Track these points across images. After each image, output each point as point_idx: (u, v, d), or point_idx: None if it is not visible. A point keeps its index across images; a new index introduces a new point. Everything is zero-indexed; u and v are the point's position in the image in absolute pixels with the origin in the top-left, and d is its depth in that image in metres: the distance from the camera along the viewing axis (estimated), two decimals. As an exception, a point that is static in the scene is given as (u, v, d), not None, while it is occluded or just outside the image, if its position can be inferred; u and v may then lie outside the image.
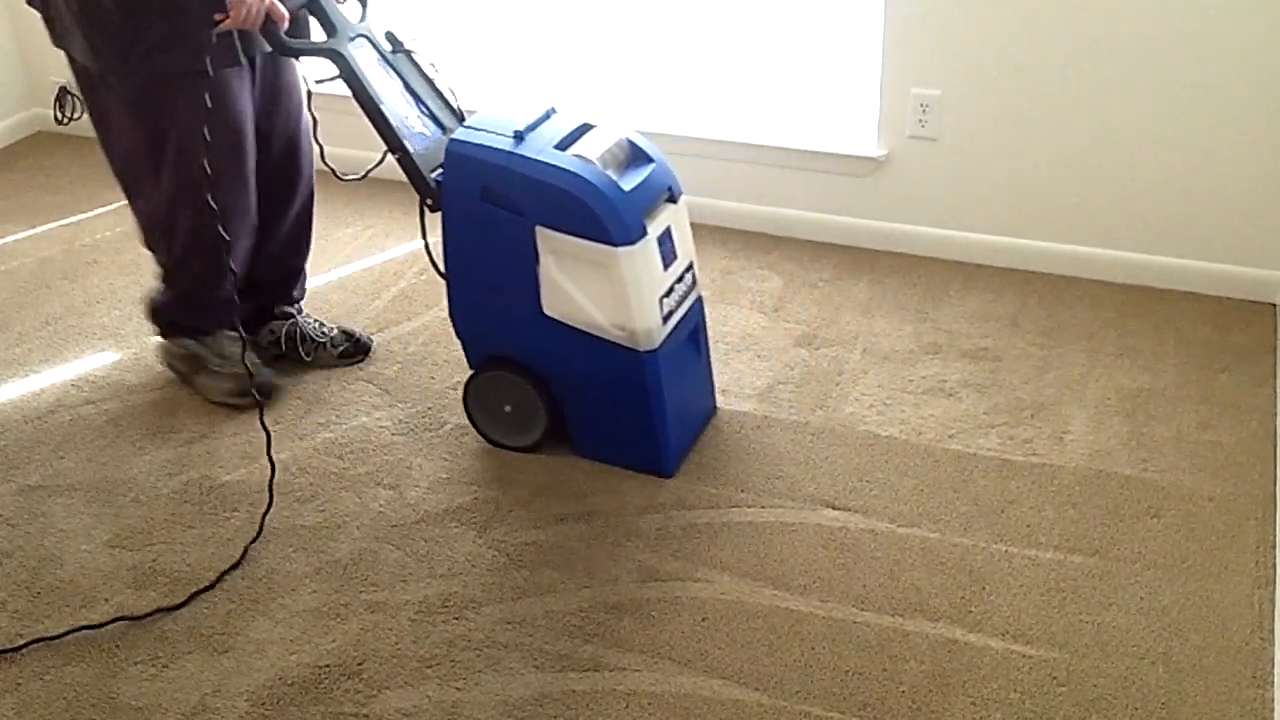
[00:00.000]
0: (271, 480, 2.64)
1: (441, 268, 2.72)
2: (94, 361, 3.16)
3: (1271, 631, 2.24)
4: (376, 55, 2.71)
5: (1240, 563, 2.40)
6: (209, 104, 2.56)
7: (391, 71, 2.73)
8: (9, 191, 4.12)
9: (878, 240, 3.59)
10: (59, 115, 4.49)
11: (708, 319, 2.91)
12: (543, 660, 2.23)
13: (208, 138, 2.57)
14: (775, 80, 3.72)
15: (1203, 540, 2.47)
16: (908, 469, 2.69)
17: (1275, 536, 2.46)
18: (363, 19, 2.74)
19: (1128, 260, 3.35)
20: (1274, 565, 2.39)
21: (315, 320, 3.16)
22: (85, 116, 4.44)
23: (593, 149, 2.56)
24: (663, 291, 2.59)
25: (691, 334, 2.76)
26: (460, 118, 2.78)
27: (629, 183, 2.55)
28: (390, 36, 2.77)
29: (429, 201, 2.67)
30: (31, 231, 3.85)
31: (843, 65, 3.61)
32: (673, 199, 2.68)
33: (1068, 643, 2.23)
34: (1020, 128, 3.31)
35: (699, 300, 2.79)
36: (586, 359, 2.61)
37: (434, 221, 2.69)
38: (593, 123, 2.67)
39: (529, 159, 2.52)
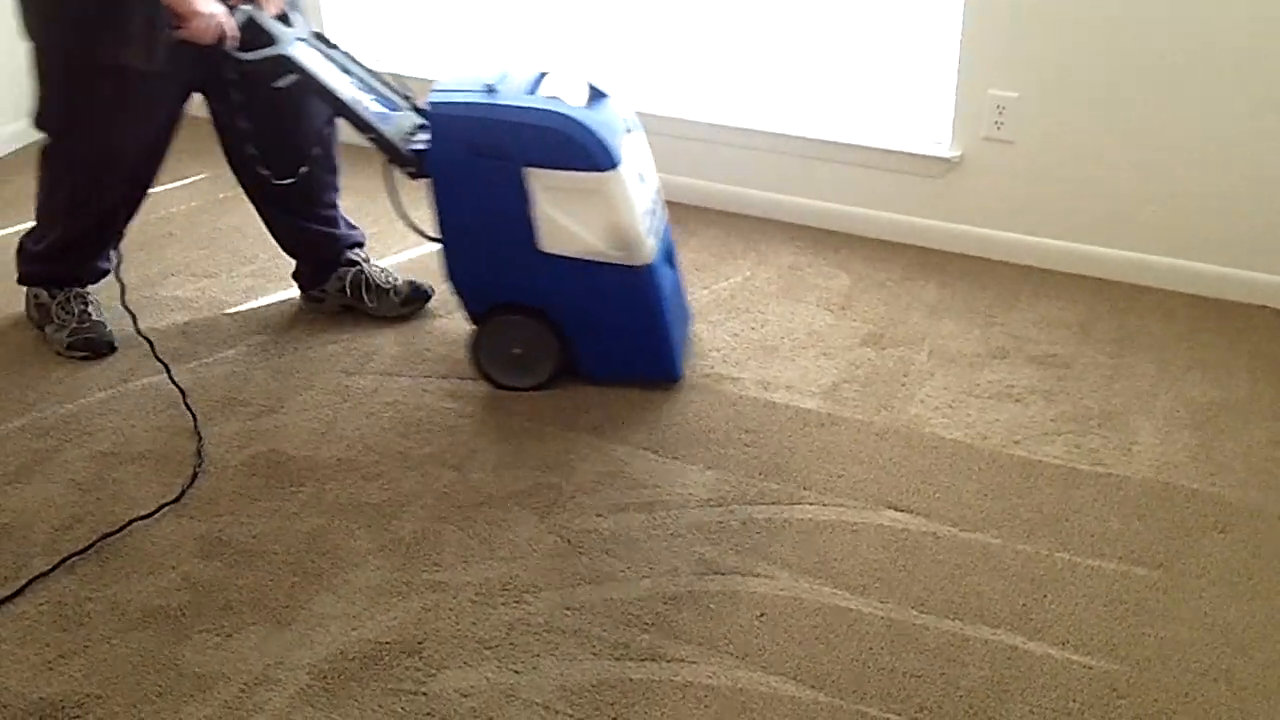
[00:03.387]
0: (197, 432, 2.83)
1: (429, 232, 2.87)
2: (167, 332, 3.20)
3: (1338, 654, 2.22)
4: (319, 54, 2.86)
5: (1308, 583, 2.38)
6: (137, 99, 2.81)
7: (335, 66, 2.88)
8: (88, 161, 4.18)
9: (948, 242, 3.57)
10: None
11: (775, 315, 2.94)
12: (601, 647, 2.24)
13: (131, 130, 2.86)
14: (849, 77, 3.71)
15: (1270, 558, 2.43)
16: (972, 473, 2.68)
17: (1345, 558, 2.44)
18: (290, 24, 2.87)
19: (1202, 271, 3.31)
20: (1343, 587, 2.37)
21: (381, 269, 3.28)
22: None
23: (558, 91, 2.75)
24: (644, 209, 2.79)
25: (667, 251, 2.97)
26: (405, 96, 2.95)
27: (600, 115, 2.75)
28: (321, 38, 2.92)
29: (410, 170, 2.82)
30: (109, 201, 3.91)
31: (919, 64, 3.59)
32: (629, 129, 2.86)
33: (1129, 655, 2.22)
34: (1098, 133, 3.28)
35: (666, 222, 3.04)
36: (588, 285, 2.79)
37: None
38: (545, 70, 2.85)
39: (510, 106, 2.69)
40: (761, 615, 2.31)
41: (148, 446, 2.78)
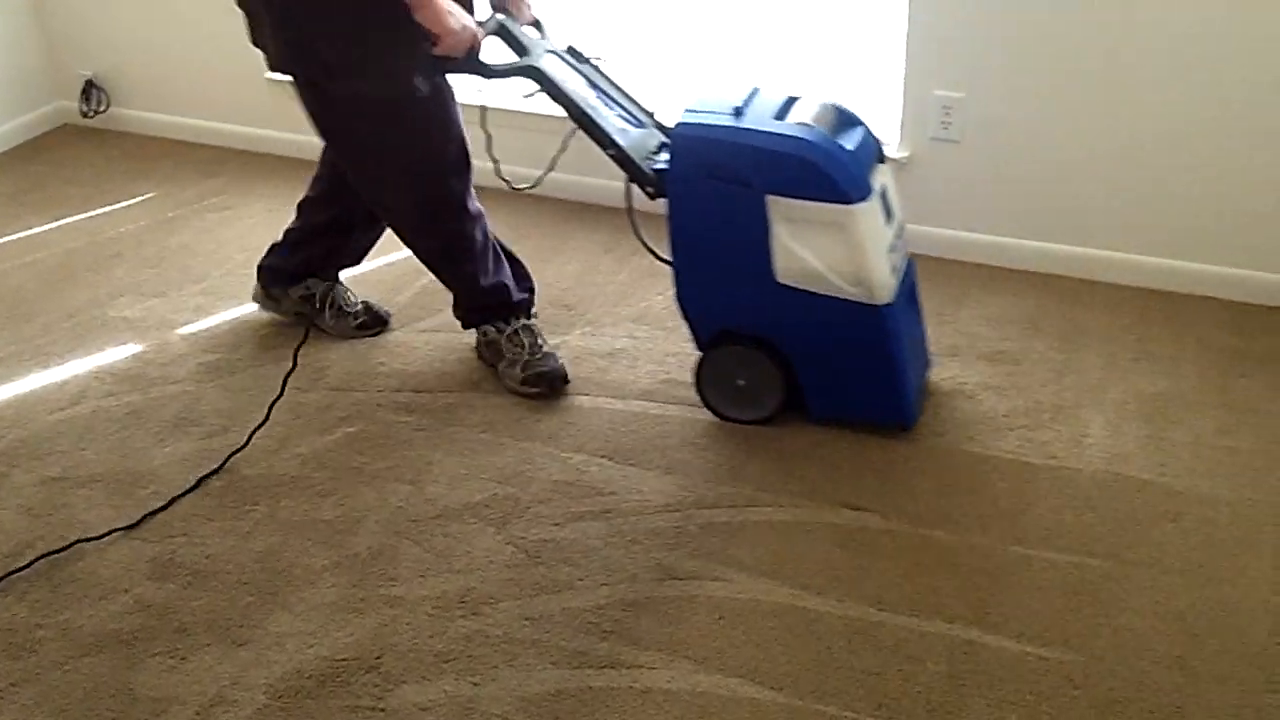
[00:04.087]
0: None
1: (662, 254, 2.81)
2: (117, 354, 3.18)
3: (1289, 637, 2.24)
4: (567, 66, 2.83)
5: (1257, 568, 2.40)
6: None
7: (583, 80, 2.84)
8: (34, 184, 4.15)
9: (898, 242, 3.59)
10: (84, 108, 4.52)
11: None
12: (559, 657, 2.24)
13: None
14: (797, 79, 3.72)
15: (1220, 545, 2.46)
16: (926, 470, 2.69)
17: (1294, 542, 2.46)
18: (543, 37, 2.88)
19: (1148, 264, 3.34)
20: (1292, 571, 2.39)
21: (347, 289, 3.27)
22: (110, 110, 4.49)
23: (808, 117, 2.65)
24: (887, 246, 2.66)
25: (909, 291, 2.83)
26: (649, 114, 2.90)
27: (849, 143, 2.63)
28: (572, 50, 2.90)
29: (649, 189, 2.75)
30: (56, 224, 3.88)
31: (866, 66, 3.61)
32: (881, 159, 2.76)
33: (1084, 645, 2.23)
34: (1043, 131, 3.30)
35: (910, 258, 2.87)
36: (822, 321, 2.67)
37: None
38: (796, 95, 2.75)
39: (756, 131, 2.60)
40: (720, 618, 2.31)
41: (99, 470, 2.75)
